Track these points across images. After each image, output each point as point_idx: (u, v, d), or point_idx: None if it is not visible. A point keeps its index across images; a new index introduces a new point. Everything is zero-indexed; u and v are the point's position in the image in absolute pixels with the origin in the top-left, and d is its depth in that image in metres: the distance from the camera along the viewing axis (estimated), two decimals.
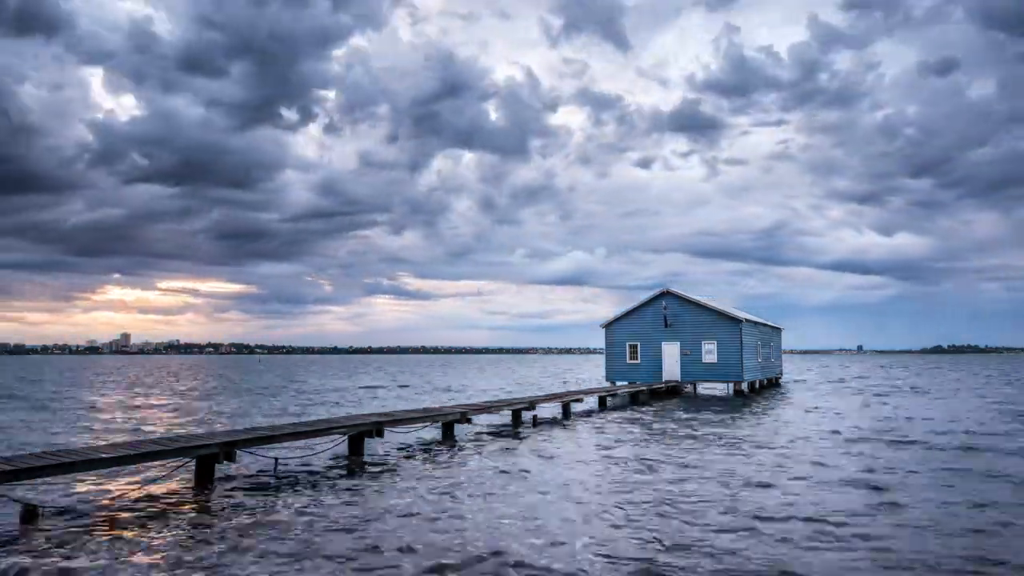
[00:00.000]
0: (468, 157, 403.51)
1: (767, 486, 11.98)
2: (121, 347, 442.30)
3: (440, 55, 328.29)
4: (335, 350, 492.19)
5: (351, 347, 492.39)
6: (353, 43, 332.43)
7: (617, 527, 9.29)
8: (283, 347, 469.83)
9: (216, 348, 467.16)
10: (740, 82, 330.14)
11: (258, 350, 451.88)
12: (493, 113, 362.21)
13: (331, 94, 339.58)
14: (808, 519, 9.68)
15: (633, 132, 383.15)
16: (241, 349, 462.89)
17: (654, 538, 8.74)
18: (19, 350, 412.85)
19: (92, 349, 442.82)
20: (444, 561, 7.81)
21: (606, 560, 7.87)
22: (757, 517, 9.76)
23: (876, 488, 11.79)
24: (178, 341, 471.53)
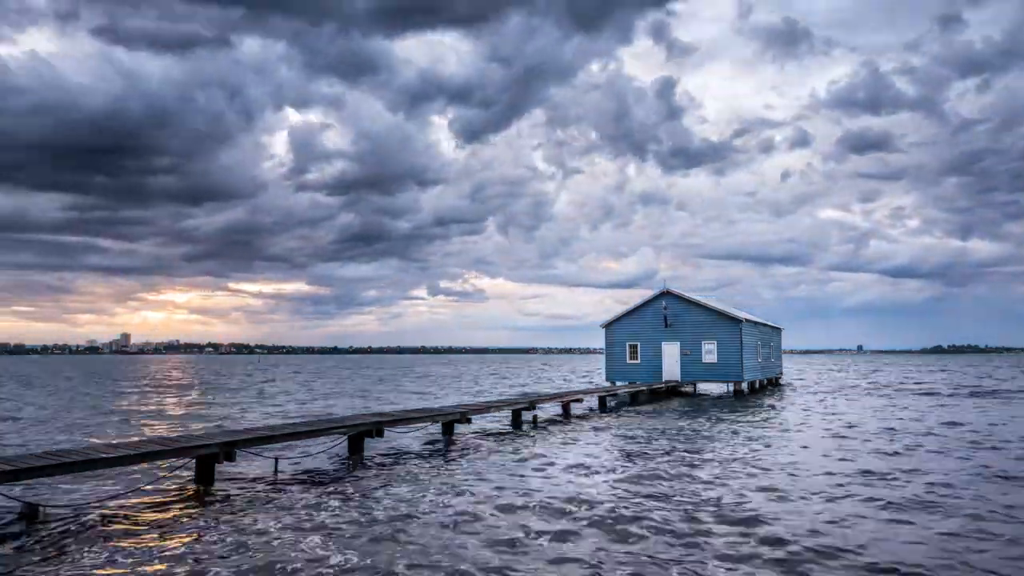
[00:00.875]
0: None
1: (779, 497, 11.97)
2: (121, 347, 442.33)
3: None
4: (350, 350, 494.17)
5: (369, 347, 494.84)
6: None
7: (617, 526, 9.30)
8: (283, 347, 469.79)
9: (216, 348, 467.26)
10: None
11: (258, 350, 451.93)
12: None
13: None
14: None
15: None
16: (241, 349, 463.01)
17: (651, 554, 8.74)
18: (19, 350, 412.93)
19: (92, 349, 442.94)
20: (443, 563, 7.82)
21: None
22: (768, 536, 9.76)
23: None
24: (178, 341, 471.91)
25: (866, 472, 13.35)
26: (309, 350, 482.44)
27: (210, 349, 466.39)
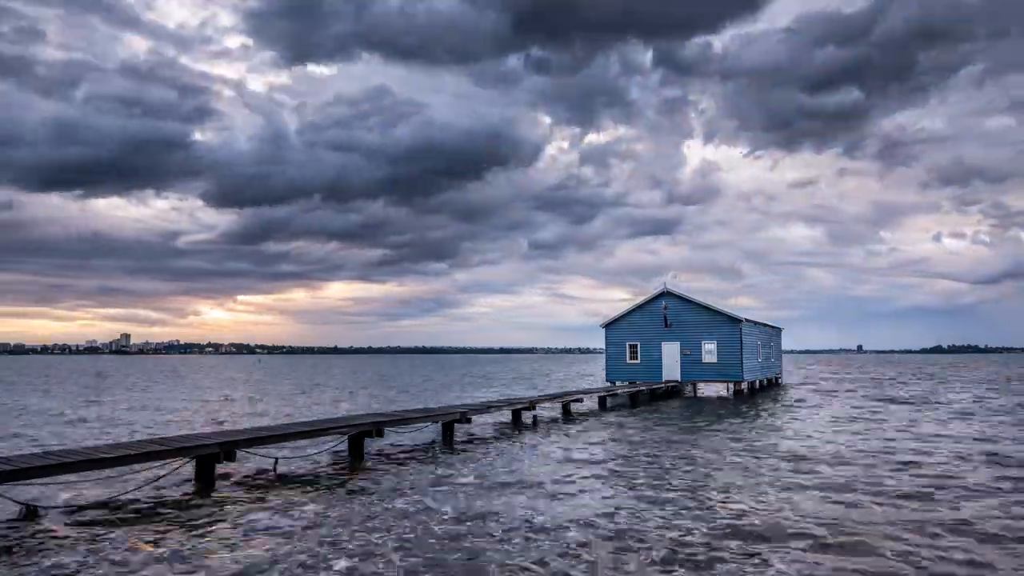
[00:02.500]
0: None
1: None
2: (121, 347, 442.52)
3: None
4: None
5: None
6: None
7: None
8: (283, 347, 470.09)
9: (216, 348, 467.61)
10: None
11: (258, 350, 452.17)
12: None
13: None
14: None
15: None
16: (241, 349, 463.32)
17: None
18: (19, 350, 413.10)
19: (92, 349, 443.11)
20: (445, 562, 7.82)
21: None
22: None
23: None
24: (178, 341, 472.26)
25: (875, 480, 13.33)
26: (309, 350, 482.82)
27: (210, 349, 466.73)
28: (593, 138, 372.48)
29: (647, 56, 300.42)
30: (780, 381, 50.47)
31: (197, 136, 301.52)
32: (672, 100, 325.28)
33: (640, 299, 40.25)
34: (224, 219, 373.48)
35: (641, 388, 32.92)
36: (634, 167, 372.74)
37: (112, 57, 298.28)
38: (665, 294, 39.12)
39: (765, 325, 45.48)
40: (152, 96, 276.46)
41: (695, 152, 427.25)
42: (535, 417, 23.73)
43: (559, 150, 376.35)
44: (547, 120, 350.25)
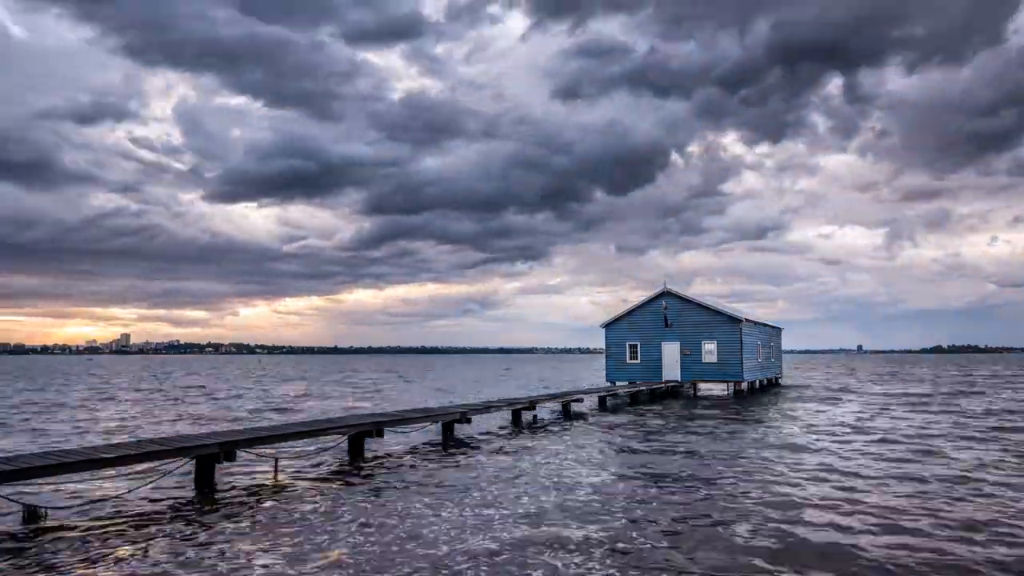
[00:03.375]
0: None
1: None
2: (121, 347, 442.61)
3: None
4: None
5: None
6: None
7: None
8: (283, 347, 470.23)
9: (216, 348, 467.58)
10: None
11: (258, 350, 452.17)
12: None
13: None
14: None
15: None
16: (241, 349, 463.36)
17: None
18: (19, 350, 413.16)
19: (92, 350, 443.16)
20: (446, 563, 7.82)
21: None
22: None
23: None
24: (178, 341, 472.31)
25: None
26: (309, 350, 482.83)
27: (210, 349, 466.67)
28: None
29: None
30: (780, 381, 50.47)
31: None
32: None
33: (640, 299, 40.26)
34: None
35: (641, 388, 32.93)
36: None
37: None
38: (665, 294, 39.12)
39: (765, 325, 45.49)
40: None
41: None
42: (535, 417, 23.72)
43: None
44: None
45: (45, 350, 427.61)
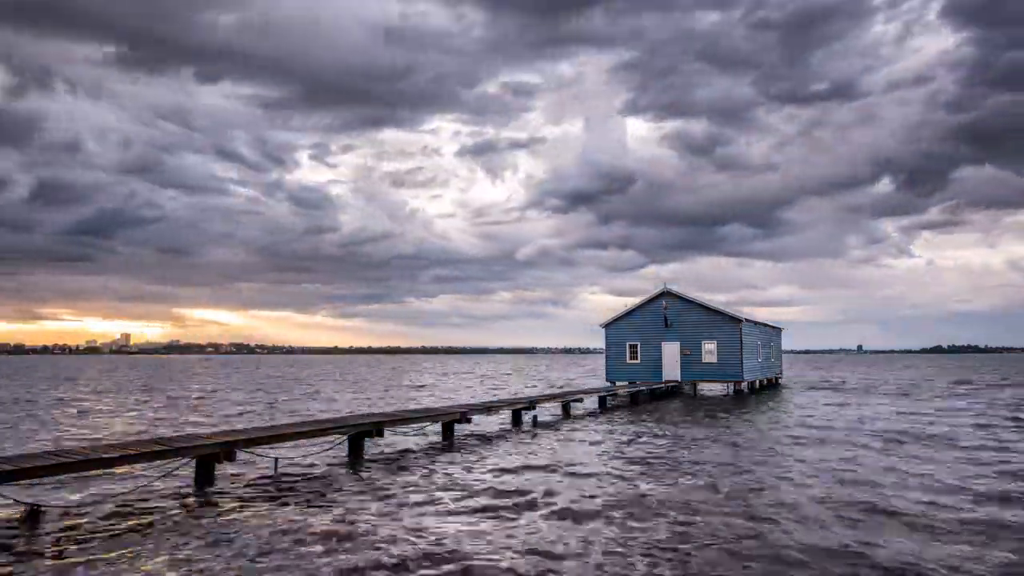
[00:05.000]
0: None
1: None
2: (121, 347, 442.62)
3: None
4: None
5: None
6: None
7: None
8: (283, 347, 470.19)
9: (216, 348, 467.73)
10: None
11: (258, 350, 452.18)
12: None
13: None
14: None
15: None
16: (241, 349, 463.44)
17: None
18: (19, 350, 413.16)
19: (92, 349, 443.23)
20: (447, 563, 7.82)
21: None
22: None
23: None
24: (178, 342, 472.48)
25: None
26: (309, 350, 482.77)
27: (211, 349, 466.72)
28: None
29: None
30: (780, 381, 50.48)
31: None
32: None
33: (640, 299, 40.25)
34: None
35: (641, 388, 32.93)
36: None
37: None
38: (665, 294, 39.12)
39: (765, 325, 45.51)
40: None
41: None
42: (535, 417, 23.72)
43: None
44: None
45: (45, 350, 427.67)
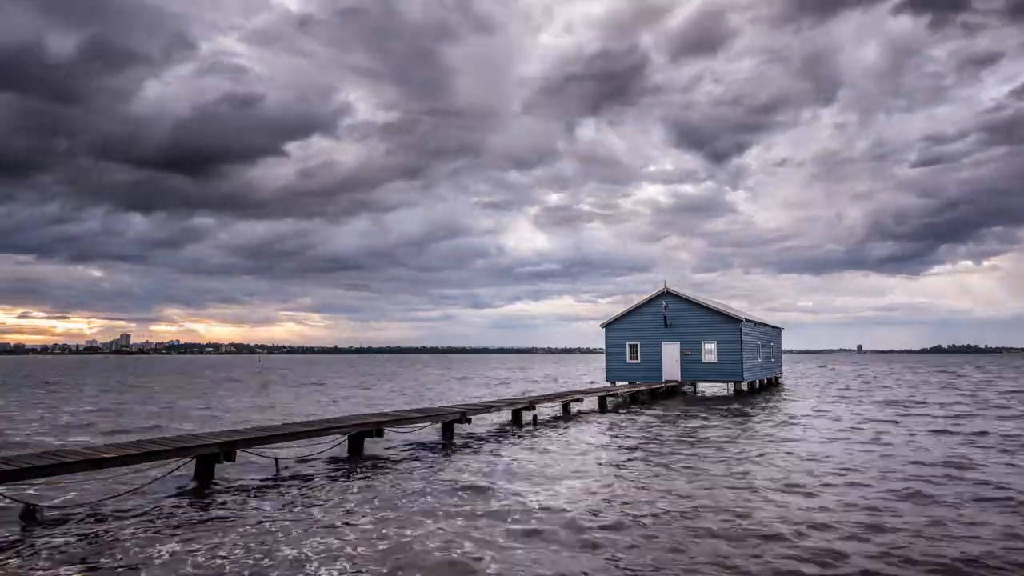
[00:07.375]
0: None
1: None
2: (121, 347, 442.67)
3: None
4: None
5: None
6: None
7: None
8: (283, 347, 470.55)
9: (216, 348, 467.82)
10: None
11: (258, 350, 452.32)
12: None
13: None
14: None
15: None
16: (241, 349, 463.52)
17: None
18: (19, 350, 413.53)
19: (92, 349, 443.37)
20: (448, 564, 7.81)
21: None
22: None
23: None
24: (178, 341, 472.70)
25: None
26: (309, 350, 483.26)
27: (210, 349, 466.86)
28: None
29: None
30: (780, 381, 50.47)
31: None
32: None
33: (640, 299, 40.25)
34: None
35: (641, 388, 32.91)
36: None
37: None
38: (665, 294, 39.11)
39: (765, 325, 45.49)
40: None
41: None
42: (535, 417, 23.71)
43: None
44: None
45: (45, 350, 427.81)
